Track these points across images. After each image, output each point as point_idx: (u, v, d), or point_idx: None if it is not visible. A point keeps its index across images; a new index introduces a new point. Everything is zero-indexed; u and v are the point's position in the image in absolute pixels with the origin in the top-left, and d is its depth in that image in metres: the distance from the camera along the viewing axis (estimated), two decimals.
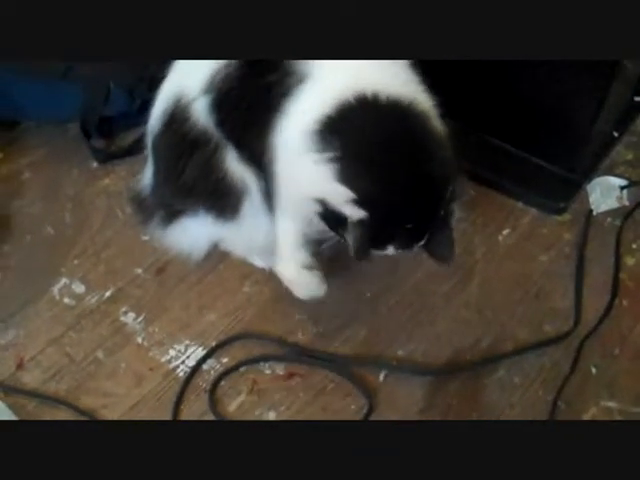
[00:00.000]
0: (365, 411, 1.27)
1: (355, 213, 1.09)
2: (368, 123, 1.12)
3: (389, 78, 1.16)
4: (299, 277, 1.31)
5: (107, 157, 1.60)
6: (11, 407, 1.27)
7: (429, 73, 1.47)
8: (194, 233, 1.39)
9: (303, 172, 1.14)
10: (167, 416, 1.28)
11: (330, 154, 1.10)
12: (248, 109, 1.20)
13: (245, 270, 1.45)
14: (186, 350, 1.35)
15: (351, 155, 1.10)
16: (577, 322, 1.37)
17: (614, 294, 1.41)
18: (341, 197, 1.10)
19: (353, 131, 1.12)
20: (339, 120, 1.11)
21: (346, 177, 1.09)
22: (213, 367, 1.33)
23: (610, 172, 1.59)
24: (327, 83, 1.15)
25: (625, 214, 1.52)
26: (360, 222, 1.09)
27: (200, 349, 1.35)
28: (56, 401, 1.28)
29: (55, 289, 1.41)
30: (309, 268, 1.32)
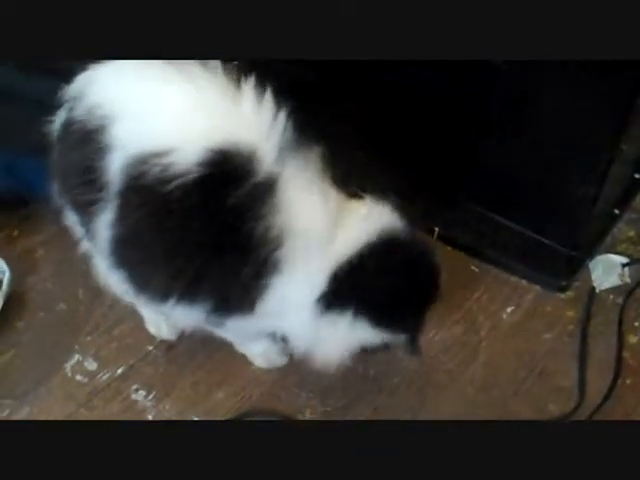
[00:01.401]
0: None
1: None
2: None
3: None
4: (260, 349, 1.41)
5: None
6: None
7: (435, 153, 1.53)
8: None
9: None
10: None
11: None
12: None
13: None
14: None
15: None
16: (581, 401, 1.39)
17: (617, 373, 1.42)
18: None
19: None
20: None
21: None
22: None
23: (612, 249, 1.62)
24: None
25: (627, 292, 1.55)
26: None
27: None
28: None
29: (68, 366, 1.44)
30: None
